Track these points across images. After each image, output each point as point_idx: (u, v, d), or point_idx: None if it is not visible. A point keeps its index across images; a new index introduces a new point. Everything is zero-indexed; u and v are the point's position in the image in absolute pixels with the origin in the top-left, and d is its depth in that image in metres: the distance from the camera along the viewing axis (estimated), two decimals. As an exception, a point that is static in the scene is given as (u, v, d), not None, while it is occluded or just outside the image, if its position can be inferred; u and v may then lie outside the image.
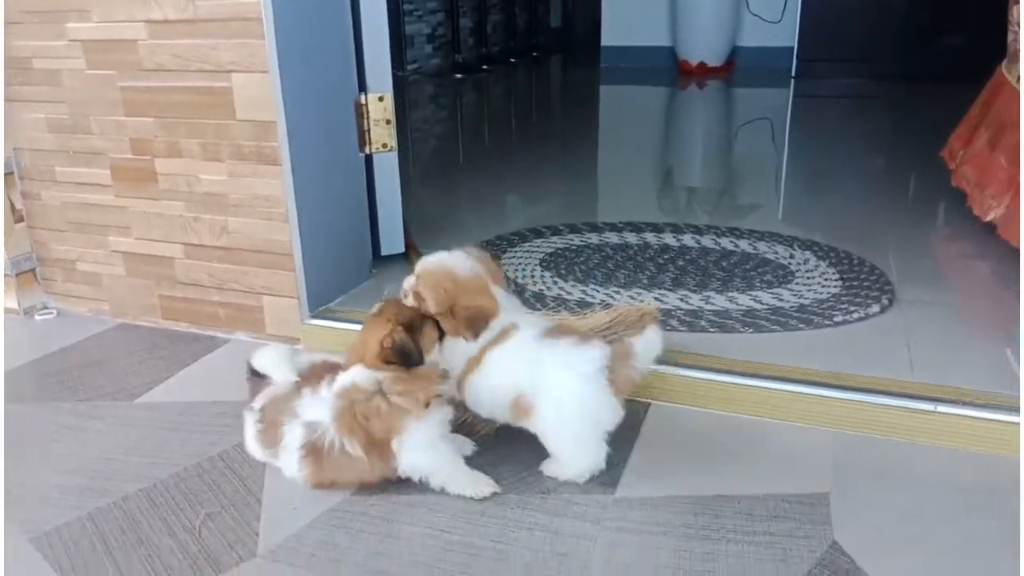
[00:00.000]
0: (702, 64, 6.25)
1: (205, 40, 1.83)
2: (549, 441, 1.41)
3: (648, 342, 1.37)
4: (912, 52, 5.35)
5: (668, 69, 6.47)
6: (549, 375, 1.36)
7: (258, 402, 1.43)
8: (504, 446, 1.49)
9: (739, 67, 6.35)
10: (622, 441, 1.53)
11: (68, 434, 1.54)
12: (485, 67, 6.87)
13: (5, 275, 2.18)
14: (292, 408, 1.38)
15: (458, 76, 6.52)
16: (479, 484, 1.38)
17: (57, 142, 2.08)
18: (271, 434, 1.40)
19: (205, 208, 1.97)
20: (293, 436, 1.37)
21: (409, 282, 1.43)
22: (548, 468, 1.43)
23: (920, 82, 5.11)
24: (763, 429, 1.57)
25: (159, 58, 1.89)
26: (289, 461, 1.38)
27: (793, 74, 5.72)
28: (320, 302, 2.00)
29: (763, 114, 4.88)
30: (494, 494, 1.38)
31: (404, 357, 1.33)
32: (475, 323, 1.39)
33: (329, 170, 2.00)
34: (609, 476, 1.43)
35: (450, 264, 1.42)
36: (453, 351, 1.43)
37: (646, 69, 6.53)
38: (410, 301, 1.42)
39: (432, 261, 1.44)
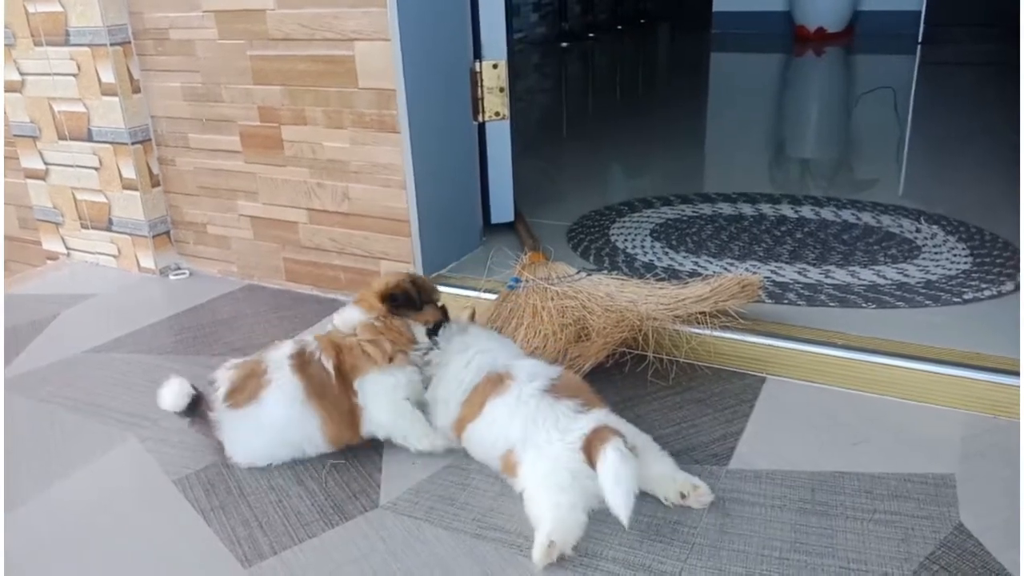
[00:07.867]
0: (820, 30, 6.00)
1: (330, 8, 1.89)
2: (527, 501, 1.28)
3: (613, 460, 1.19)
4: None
5: (783, 35, 6.24)
6: (540, 434, 1.29)
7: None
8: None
9: (860, 33, 6.06)
10: (736, 414, 1.52)
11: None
12: (591, 35, 6.79)
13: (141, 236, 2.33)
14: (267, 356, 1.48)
15: (564, 44, 6.48)
16: (435, 439, 1.43)
17: (191, 110, 2.20)
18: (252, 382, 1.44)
19: (328, 175, 2.04)
20: (283, 349, 1.47)
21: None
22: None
23: (1063, 47, 4.76)
24: (885, 407, 1.52)
25: (286, 27, 1.96)
26: (283, 371, 1.43)
27: (920, 40, 5.42)
28: (433, 268, 2.05)
29: (885, 83, 4.63)
30: (449, 450, 1.43)
31: (406, 300, 1.46)
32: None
33: (445, 138, 2.04)
34: (723, 448, 1.42)
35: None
36: (448, 381, 1.45)
37: (760, 36, 6.31)
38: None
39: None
